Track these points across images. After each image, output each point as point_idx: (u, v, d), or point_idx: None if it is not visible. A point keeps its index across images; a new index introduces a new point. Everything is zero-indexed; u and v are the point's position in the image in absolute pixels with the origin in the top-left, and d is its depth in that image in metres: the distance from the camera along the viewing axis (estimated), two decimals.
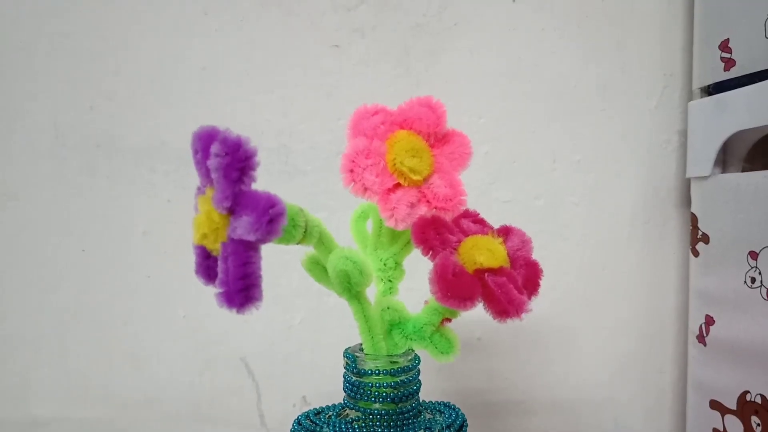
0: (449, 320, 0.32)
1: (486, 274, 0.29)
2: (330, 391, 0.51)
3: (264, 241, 0.23)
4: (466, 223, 0.32)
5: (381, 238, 0.35)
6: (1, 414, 0.52)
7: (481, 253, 0.30)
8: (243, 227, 0.22)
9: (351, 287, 0.29)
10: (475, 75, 0.57)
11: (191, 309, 0.54)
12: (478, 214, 0.33)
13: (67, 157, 0.54)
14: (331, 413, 0.32)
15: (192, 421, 0.54)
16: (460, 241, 0.30)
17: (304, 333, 0.56)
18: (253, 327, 0.55)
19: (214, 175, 0.23)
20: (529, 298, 0.30)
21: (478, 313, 0.61)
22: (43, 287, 0.54)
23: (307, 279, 0.56)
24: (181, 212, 0.53)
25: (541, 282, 0.31)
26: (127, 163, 0.54)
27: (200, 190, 0.26)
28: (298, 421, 0.31)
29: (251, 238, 0.22)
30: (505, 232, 0.32)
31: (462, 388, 0.59)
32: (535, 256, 0.34)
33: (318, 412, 0.33)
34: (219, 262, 0.24)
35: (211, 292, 0.57)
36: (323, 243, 0.29)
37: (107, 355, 0.54)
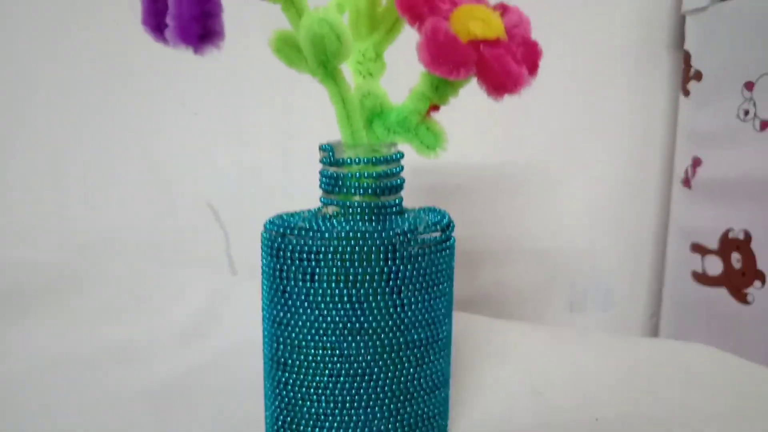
0: (436, 108, 0.29)
1: (482, 46, 0.25)
2: None
3: None
4: None
5: (359, 28, 0.31)
6: None
7: (476, 23, 0.26)
8: None
9: (327, 60, 0.25)
10: None
11: (148, 142, 0.50)
12: None
13: None
14: (306, 214, 0.30)
15: (155, 261, 0.51)
16: (451, 11, 0.26)
17: (272, 174, 0.52)
18: (218, 166, 0.51)
19: None
20: (530, 76, 0.27)
21: (457, 160, 0.58)
22: None
23: (275, 114, 0.52)
24: (130, 31, 0.47)
25: (540, 63, 0.28)
26: None
27: None
28: (270, 221, 0.29)
29: None
30: (502, 8, 0.28)
31: None
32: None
33: (292, 215, 0.30)
34: None
35: (169, 124, 0.52)
36: (293, 3, 0.25)
37: (57, 194, 0.49)
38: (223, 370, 0.39)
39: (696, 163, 0.53)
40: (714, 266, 0.51)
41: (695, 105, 0.53)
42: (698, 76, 0.52)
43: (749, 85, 0.47)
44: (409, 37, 0.27)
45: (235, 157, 0.51)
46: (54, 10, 0.47)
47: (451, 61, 0.24)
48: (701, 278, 0.53)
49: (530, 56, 0.28)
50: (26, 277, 0.46)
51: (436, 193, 0.56)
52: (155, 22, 0.22)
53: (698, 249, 0.53)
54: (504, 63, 0.25)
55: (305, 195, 0.51)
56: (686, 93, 0.54)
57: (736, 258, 0.49)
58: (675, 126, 0.56)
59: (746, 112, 0.47)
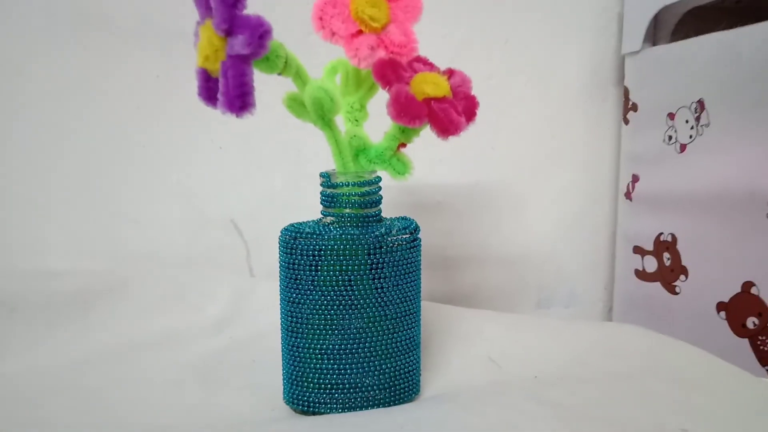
0: (404, 145, 0.40)
1: (432, 102, 0.36)
2: None
3: (257, 54, 0.30)
4: (417, 66, 0.38)
5: (348, 86, 0.42)
6: (21, 266, 0.59)
7: (429, 85, 0.36)
8: (239, 43, 0.29)
9: (324, 114, 0.36)
10: None
11: (183, 174, 0.61)
12: (428, 59, 0.39)
13: (62, 33, 0.58)
14: (311, 222, 0.40)
15: (189, 268, 0.62)
16: (411, 77, 0.37)
17: (286, 195, 0.63)
18: (241, 192, 0.62)
19: (213, 3, 0.29)
20: (467, 123, 0.37)
21: (437, 179, 0.68)
22: (50, 156, 0.60)
23: (286, 149, 0.63)
24: (170, 87, 0.59)
25: (477, 112, 0.39)
26: (116, 41, 0.59)
27: (200, 22, 0.32)
28: (285, 228, 0.39)
29: (246, 51, 0.29)
30: (450, 73, 0.39)
31: (423, 244, 0.67)
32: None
33: (300, 223, 0.40)
34: (220, 79, 0.31)
35: (201, 157, 0.64)
36: (300, 76, 0.36)
37: (110, 216, 0.61)
38: (248, 349, 0.49)
39: (635, 179, 0.64)
40: (651, 264, 0.62)
41: (633, 131, 0.64)
42: (635, 107, 0.63)
43: (671, 116, 0.58)
44: (384, 95, 0.38)
45: (255, 185, 0.62)
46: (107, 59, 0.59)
47: (409, 115, 0.35)
48: (642, 275, 0.63)
49: (469, 107, 0.38)
50: (86, 282, 0.56)
51: (420, 209, 0.67)
52: (208, 95, 0.33)
53: (638, 251, 0.63)
54: (448, 114, 0.36)
55: (310, 209, 0.62)
56: (626, 121, 0.65)
57: (666, 257, 0.59)
58: (619, 149, 0.67)
59: (670, 138, 0.58)
